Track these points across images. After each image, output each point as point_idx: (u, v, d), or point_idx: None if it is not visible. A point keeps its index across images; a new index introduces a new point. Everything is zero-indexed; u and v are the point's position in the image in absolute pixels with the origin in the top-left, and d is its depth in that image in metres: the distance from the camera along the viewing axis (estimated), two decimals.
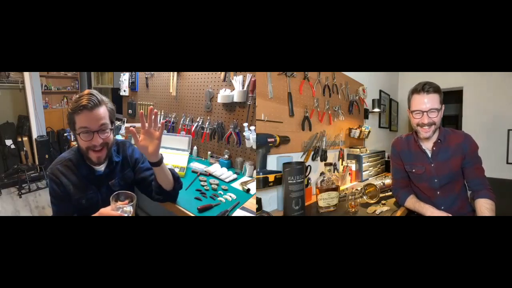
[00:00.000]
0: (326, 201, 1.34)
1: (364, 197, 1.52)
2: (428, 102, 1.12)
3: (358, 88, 2.27)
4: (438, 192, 1.27)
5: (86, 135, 0.93)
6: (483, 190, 1.19)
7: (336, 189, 1.37)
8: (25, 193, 3.08)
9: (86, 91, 0.95)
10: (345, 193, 1.64)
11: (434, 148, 1.24)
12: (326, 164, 1.44)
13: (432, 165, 1.25)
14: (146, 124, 0.97)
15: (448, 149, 1.22)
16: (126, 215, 0.84)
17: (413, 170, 1.31)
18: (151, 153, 0.98)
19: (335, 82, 1.93)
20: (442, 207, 1.25)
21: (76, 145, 1.04)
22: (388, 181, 1.62)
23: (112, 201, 0.85)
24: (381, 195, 1.53)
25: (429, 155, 1.25)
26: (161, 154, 1.02)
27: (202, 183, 1.51)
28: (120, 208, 0.84)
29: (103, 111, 0.95)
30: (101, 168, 1.06)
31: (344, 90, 2.06)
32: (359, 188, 1.66)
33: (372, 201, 1.48)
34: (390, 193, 1.53)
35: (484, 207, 1.14)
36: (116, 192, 0.86)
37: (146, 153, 0.99)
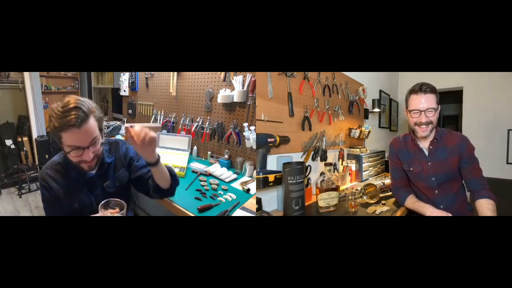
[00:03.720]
0: (326, 201, 1.34)
1: (364, 197, 1.52)
2: (426, 101, 1.16)
3: (358, 88, 2.26)
4: (436, 191, 1.28)
5: (76, 152, 0.88)
6: (483, 191, 1.19)
7: (336, 189, 1.36)
8: (25, 193, 3.08)
9: (72, 102, 0.85)
10: (345, 193, 1.64)
11: (430, 147, 1.26)
12: (326, 164, 1.44)
13: (429, 163, 1.27)
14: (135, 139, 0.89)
15: (445, 148, 1.24)
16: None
17: (411, 169, 1.32)
18: (147, 155, 0.95)
19: (335, 82, 1.93)
20: (441, 206, 1.26)
21: None
22: (387, 181, 1.62)
23: (101, 208, 0.82)
24: (381, 195, 1.53)
25: (426, 153, 1.27)
26: (158, 154, 0.98)
27: (202, 183, 1.51)
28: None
29: (92, 124, 0.88)
30: (92, 171, 1.01)
31: (344, 90, 2.06)
32: (359, 188, 1.66)
33: (372, 201, 1.48)
34: (390, 193, 1.53)
35: (486, 207, 1.14)
36: (105, 200, 0.84)
37: (142, 155, 0.97)
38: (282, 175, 1.22)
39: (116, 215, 0.82)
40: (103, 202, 0.83)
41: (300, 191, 1.21)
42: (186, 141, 1.99)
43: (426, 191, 1.31)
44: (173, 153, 1.82)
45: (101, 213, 0.82)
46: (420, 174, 1.30)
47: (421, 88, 1.16)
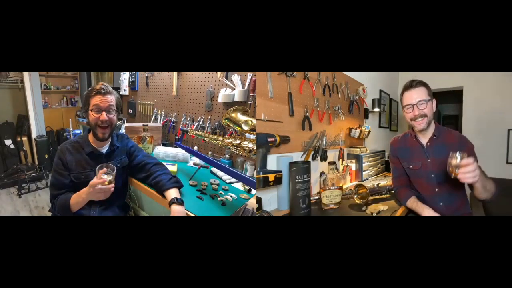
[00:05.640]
0: (329, 198, 1.38)
1: (355, 197, 1.53)
2: (416, 95, 1.21)
3: (358, 87, 2.26)
4: (437, 189, 1.28)
5: (96, 112, 1.15)
6: None
7: (339, 187, 1.39)
8: (24, 193, 3.07)
9: (100, 84, 1.18)
10: (346, 192, 1.65)
11: (428, 144, 1.28)
12: (329, 163, 1.45)
13: (429, 160, 1.28)
14: None
15: (444, 146, 1.25)
16: (109, 179, 1.05)
17: (410, 166, 1.34)
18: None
19: (335, 82, 1.93)
20: (441, 203, 1.26)
21: (83, 133, 1.14)
22: (383, 182, 1.63)
23: (97, 170, 1.06)
24: (376, 196, 1.55)
25: (425, 149, 1.29)
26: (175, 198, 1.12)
27: (202, 183, 1.50)
28: (104, 175, 1.04)
29: (111, 97, 1.18)
30: (103, 149, 1.23)
31: (344, 89, 2.06)
32: (352, 189, 1.67)
33: (361, 202, 1.48)
34: (384, 195, 1.56)
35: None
36: (99, 165, 1.06)
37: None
38: (289, 175, 1.23)
39: (104, 176, 1.03)
40: (98, 166, 1.06)
41: (307, 189, 1.23)
42: (188, 157, 1.87)
43: (426, 189, 1.31)
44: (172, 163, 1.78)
45: (98, 173, 1.04)
46: (419, 171, 1.31)
47: (411, 84, 1.22)
